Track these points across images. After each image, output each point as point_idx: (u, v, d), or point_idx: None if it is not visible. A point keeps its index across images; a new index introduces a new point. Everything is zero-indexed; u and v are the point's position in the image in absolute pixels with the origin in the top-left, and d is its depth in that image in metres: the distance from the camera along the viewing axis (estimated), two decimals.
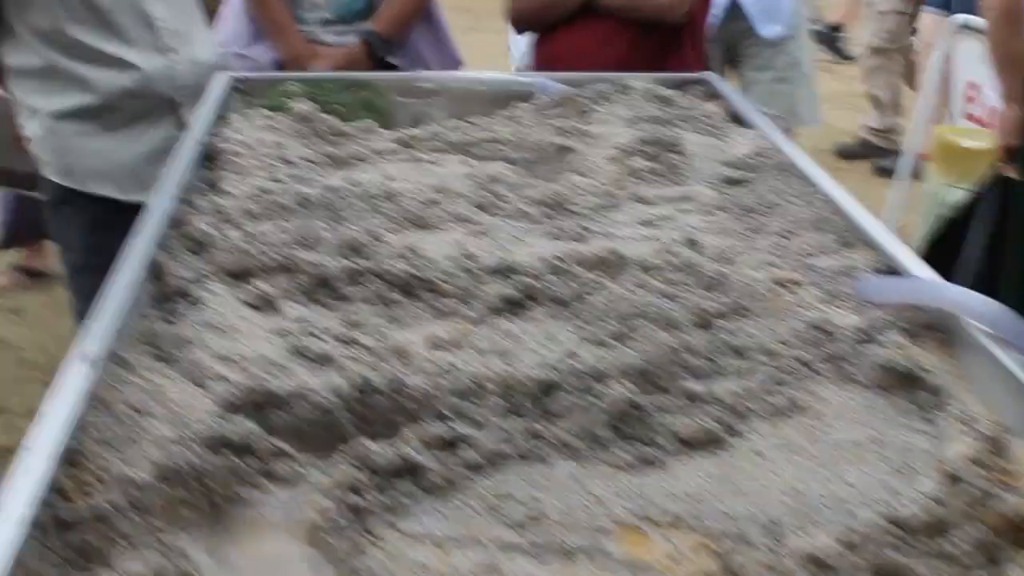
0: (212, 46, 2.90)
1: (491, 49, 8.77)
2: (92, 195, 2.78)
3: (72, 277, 2.86)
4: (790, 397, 1.60)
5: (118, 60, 2.70)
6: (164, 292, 1.84)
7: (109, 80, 2.72)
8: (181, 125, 2.73)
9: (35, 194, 3.09)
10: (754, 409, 1.59)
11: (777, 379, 1.65)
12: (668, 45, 3.37)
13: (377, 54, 3.23)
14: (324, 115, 2.70)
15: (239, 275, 1.91)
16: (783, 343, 1.73)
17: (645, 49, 3.30)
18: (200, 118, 2.57)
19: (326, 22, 3.28)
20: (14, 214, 4.58)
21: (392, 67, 3.33)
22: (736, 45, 4.67)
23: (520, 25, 3.51)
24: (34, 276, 4.79)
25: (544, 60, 3.41)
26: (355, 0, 3.28)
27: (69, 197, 2.81)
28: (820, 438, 1.52)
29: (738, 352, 1.74)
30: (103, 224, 2.75)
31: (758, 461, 1.47)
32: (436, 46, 3.34)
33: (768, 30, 4.56)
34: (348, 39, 3.30)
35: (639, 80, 2.90)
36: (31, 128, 2.79)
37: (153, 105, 2.76)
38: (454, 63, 3.54)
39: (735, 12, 4.61)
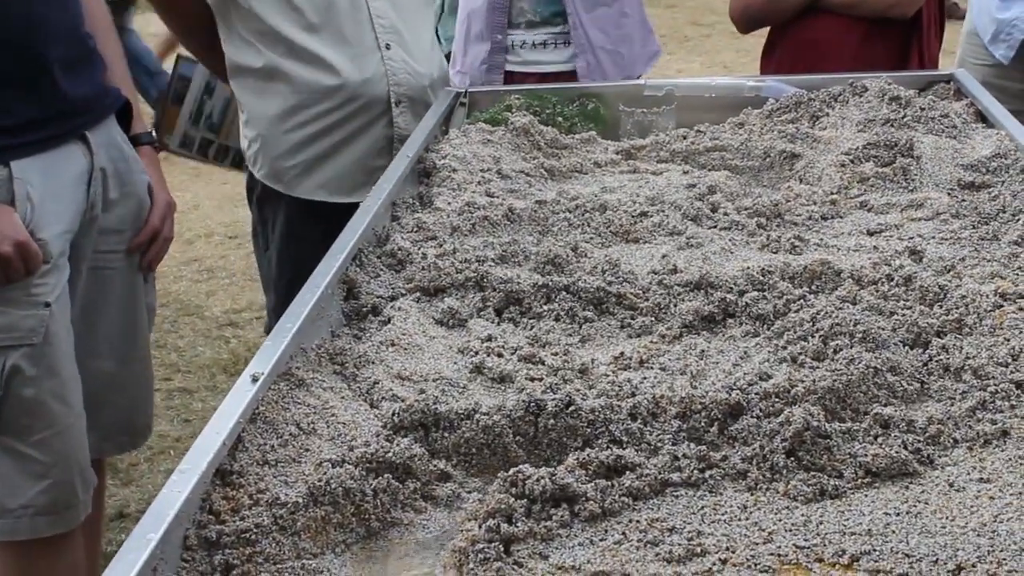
0: (436, 60, 2.88)
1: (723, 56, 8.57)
2: (297, 197, 2.78)
3: (266, 272, 2.89)
4: (1000, 425, 1.46)
5: (327, 62, 2.67)
6: (358, 309, 1.86)
7: (320, 80, 2.69)
8: (394, 129, 2.73)
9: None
10: (956, 437, 1.45)
11: (987, 404, 1.50)
12: (902, 43, 3.17)
13: None
14: (544, 127, 2.67)
15: (432, 292, 1.90)
16: (1001, 364, 1.58)
17: (879, 47, 3.11)
18: (417, 134, 2.58)
19: (530, 24, 3.28)
20: None
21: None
22: None
23: (746, 24, 3.38)
24: None
25: (774, 59, 3.27)
26: (549, 2, 3.28)
27: (272, 195, 2.83)
28: None
29: (947, 373, 1.60)
30: (302, 223, 2.77)
31: (952, 495, 1.34)
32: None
33: None
34: (548, 53, 3.28)
35: (877, 80, 2.73)
36: (245, 130, 2.81)
37: (365, 107, 2.72)
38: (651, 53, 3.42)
39: None
